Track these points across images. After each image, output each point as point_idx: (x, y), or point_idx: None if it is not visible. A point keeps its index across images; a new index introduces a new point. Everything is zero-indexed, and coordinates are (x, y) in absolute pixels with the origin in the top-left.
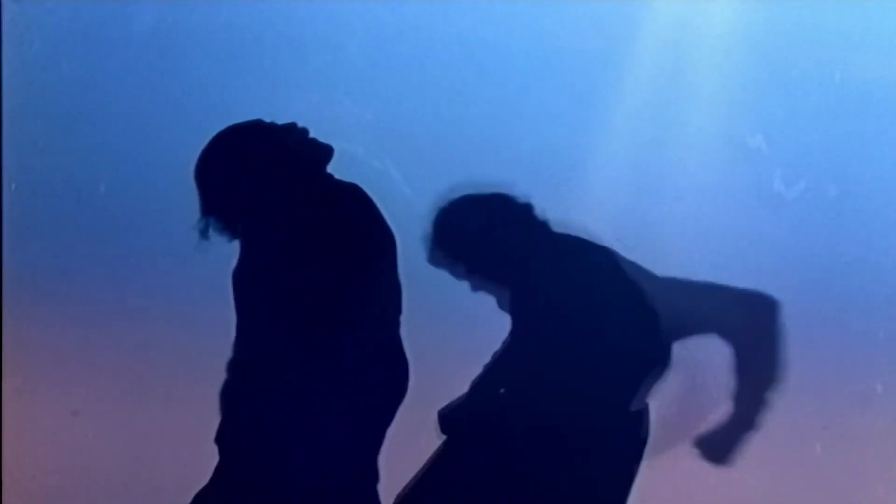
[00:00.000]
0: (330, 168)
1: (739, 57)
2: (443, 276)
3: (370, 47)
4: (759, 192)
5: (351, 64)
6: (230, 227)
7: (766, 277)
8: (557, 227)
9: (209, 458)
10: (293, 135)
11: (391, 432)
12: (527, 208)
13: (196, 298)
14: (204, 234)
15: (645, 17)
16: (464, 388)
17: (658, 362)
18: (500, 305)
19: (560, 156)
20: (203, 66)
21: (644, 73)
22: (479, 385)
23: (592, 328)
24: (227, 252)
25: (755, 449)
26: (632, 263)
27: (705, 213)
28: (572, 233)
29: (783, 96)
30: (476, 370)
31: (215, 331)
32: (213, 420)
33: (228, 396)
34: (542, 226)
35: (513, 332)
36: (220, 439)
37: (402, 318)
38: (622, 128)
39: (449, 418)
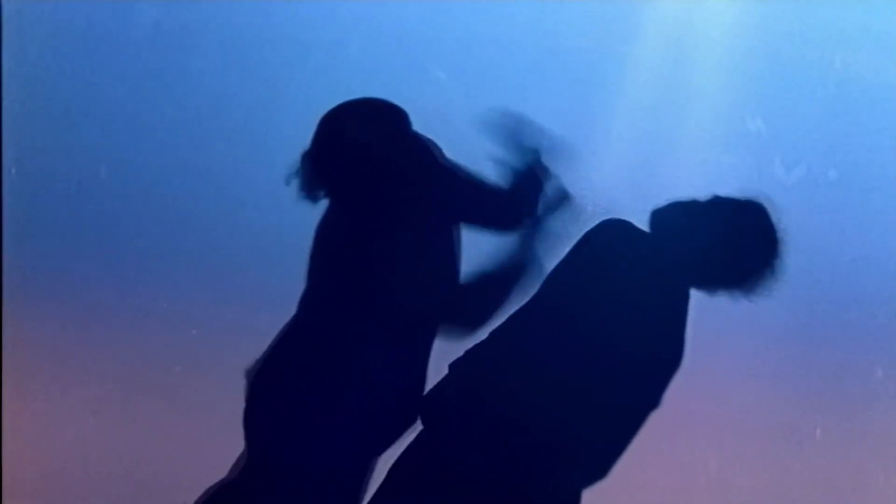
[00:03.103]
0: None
1: (739, 48)
2: None
3: (370, 47)
4: (759, 180)
5: (351, 64)
6: (315, 188)
7: None
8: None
9: (209, 458)
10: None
11: None
12: None
13: (196, 298)
14: (296, 176)
15: (647, 12)
16: None
17: (672, 364)
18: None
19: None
20: (203, 66)
21: (645, 70)
22: (465, 368)
23: (609, 321)
24: (227, 252)
25: (751, 448)
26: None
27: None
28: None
29: (783, 86)
30: None
31: (215, 331)
32: (213, 419)
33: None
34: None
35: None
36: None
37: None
38: (622, 122)
39: (431, 405)
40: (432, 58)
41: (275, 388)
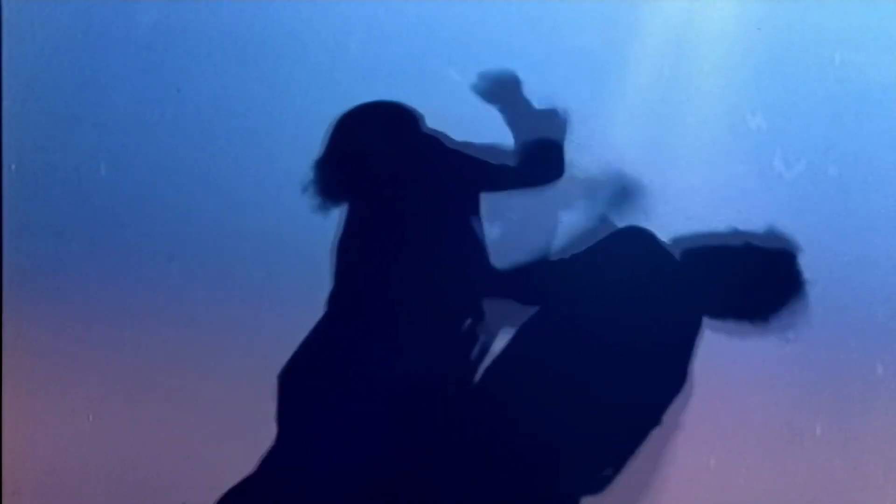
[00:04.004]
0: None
1: (739, 47)
2: None
3: (370, 47)
4: (760, 174)
5: (351, 64)
6: (332, 196)
7: None
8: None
9: (209, 458)
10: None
11: None
12: None
13: (196, 298)
14: (310, 187)
15: (647, 12)
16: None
17: (675, 385)
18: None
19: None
20: (203, 66)
21: (645, 69)
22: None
23: (621, 335)
24: (228, 252)
25: (751, 447)
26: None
27: (709, 203)
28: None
29: (784, 81)
30: None
31: (215, 331)
32: (214, 419)
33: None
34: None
35: (531, 321)
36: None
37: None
38: (622, 120)
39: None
40: (431, 57)
41: (302, 385)
